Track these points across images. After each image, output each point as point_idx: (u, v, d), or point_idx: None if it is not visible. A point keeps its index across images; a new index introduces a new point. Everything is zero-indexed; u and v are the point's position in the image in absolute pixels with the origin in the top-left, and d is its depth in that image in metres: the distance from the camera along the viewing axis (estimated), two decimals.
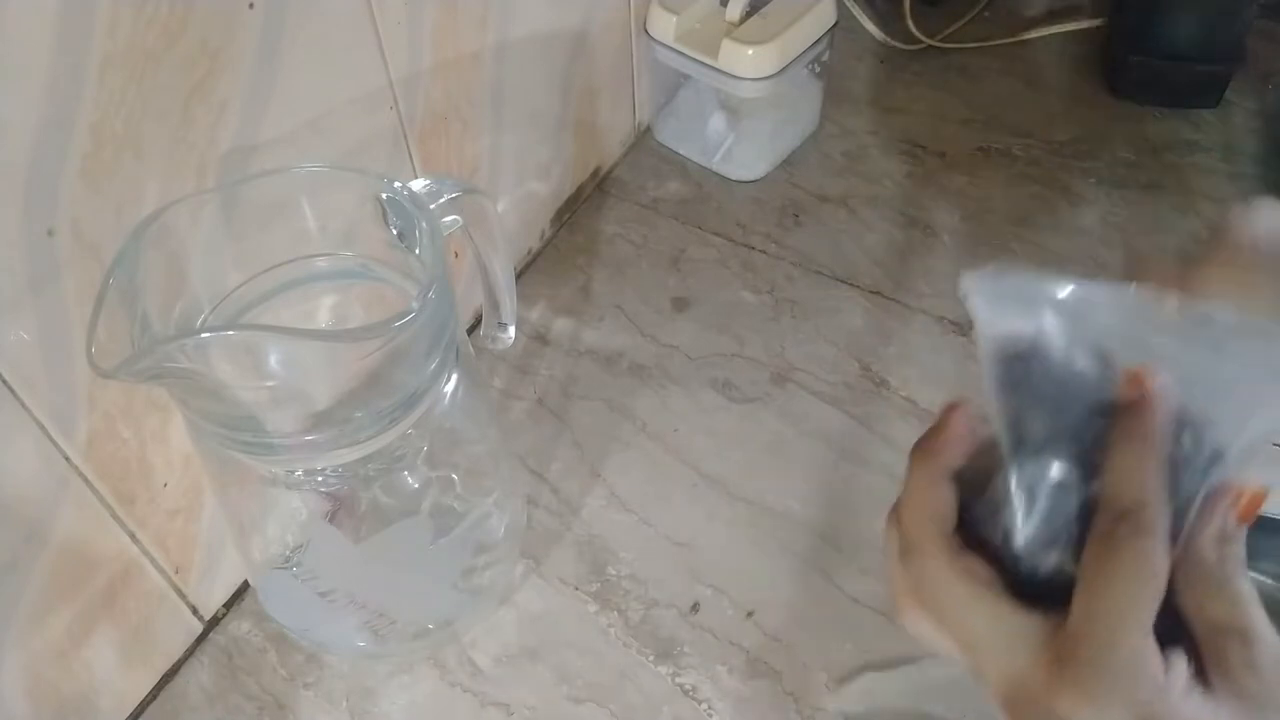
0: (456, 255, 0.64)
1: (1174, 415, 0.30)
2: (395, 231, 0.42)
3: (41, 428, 0.42)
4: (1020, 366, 0.31)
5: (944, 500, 0.33)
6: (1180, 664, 0.28)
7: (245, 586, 0.57)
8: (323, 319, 0.47)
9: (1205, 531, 0.30)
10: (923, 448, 0.34)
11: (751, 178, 0.78)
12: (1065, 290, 0.30)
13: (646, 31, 0.74)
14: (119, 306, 0.36)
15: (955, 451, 0.33)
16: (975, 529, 0.33)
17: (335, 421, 0.40)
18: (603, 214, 0.76)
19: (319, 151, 0.50)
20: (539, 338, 0.68)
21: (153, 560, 0.50)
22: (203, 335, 0.38)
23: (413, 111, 0.56)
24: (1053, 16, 0.89)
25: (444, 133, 0.59)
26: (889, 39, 0.87)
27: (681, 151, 0.80)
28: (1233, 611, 0.29)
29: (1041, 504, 0.31)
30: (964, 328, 0.67)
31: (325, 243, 0.44)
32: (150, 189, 0.42)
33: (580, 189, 0.77)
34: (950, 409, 0.34)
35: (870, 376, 0.65)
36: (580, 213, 0.76)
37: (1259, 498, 0.30)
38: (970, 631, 0.31)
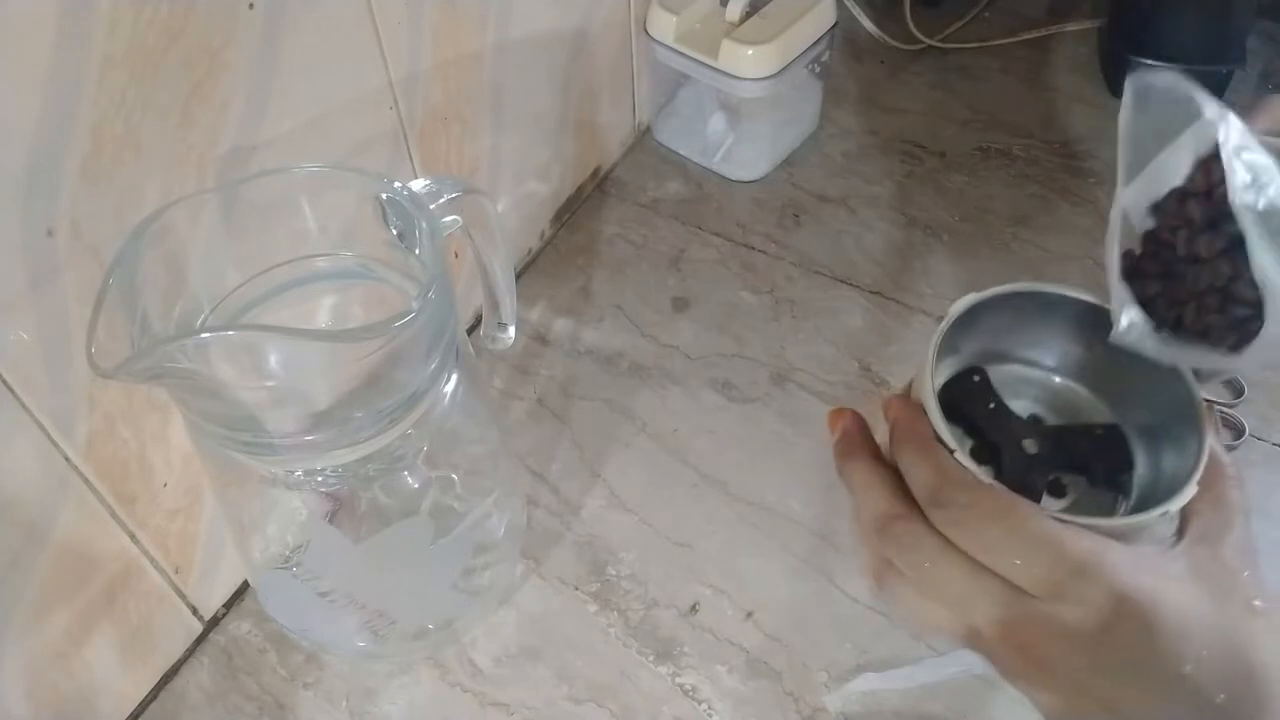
0: (456, 255, 0.64)
1: None
2: (395, 231, 0.42)
3: (41, 428, 0.42)
4: None
5: (888, 478, 0.37)
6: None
7: (245, 586, 0.57)
8: (323, 319, 0.47)
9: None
10: (843, 456, 0.39)
11: (751, 178, 0.78)
12: None
13: (646, 31, 0.74)
14: (119, 306, 0.36)
15: (865, 440, 0.39)
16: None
17: (335, 421, 0.40)
18: (603, 214, 0.76)
19: (319, 151, 0.50)
20: (539, 338, 0.68)
21: (153, 560, 0.50)
22: (203, 335, 0.38)
23: (413, 111, 0.56)
24: (1052, 16, 0.89)
25: (444, 133, 0.59)
26: (889, 39, 0.87)
27: (681, 151, 0.80)
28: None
29: None
30: None
31: (325, 243, 0.44)
32: (150, 189, 0.42)
33: (580, 189, 0.76)
34: (836, 416, 0.40)
35: (870, 376, 0.65)
36: (580, 213, 0.76)
37: None
38: (989, 549, 0.34)
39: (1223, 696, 0.31)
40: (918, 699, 0.51)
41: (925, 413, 0.37)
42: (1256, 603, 0.34)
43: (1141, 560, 0.33)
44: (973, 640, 0.35)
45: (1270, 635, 0.33)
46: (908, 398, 0.38)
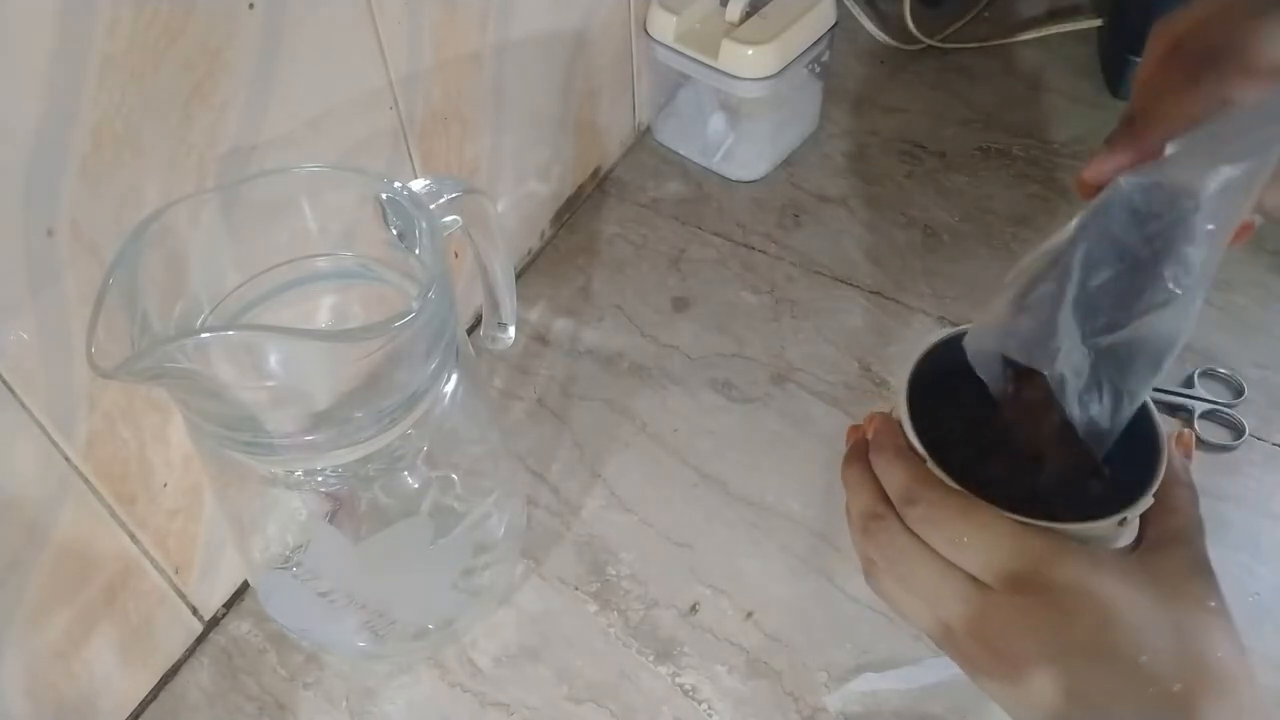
0: (456, 255, 0.64)
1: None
2: (395, 231, 0.42)
3: (41, 428, 0.42)
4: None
5: (875, 482, 0.39)
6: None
7: (245, 586, 0.57)
8: (323, 319, 0.47)
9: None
10: (845, 461, 0.41)
11: (751, 178, 0.78)
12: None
13: (646, 31, 0.74)
14: (119, 306, 0.36)
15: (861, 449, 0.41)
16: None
17: (335, 421, 0.40)
18: (603, 214, 0.76)
19: (319, 151, 0.50)
20: (539, 338, 0.68)
21: (153, 560, 0.50)
22: (203, 335, 0.38)
23: (413, 111, 0.56)
24: (1053, 16, 0.89)
25: (444, 133, 0.59)
26: (889, 39, 0.87)
27: (681, 151, 0.80)
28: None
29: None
30: None
31: (325, 243, 0.44)
32: (150, 189, 0.42)
33: (580, 189, 0.77)
34: (853, 430, 0.42)
35: (870, 376, 0.65)
36: (580, 213, 0.76)
37: (1188, 437, 0.41)
38: (954, 544, 0.36)
39: (1179, 686, 0.33)
40: (918, 699, 0.51)
41: (901, 426, 0.40)
42: (1211, 603, 0.35)
43: (1098, 558, 0.35)
44: (945, 636, 0.37)
45: (1224, 631, 0.35)
46: (888, 414, 0.41)
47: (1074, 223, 0.37)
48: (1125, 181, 0.36)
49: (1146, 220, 0.36)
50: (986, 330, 0.40)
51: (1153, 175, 0.36)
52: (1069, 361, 0.38)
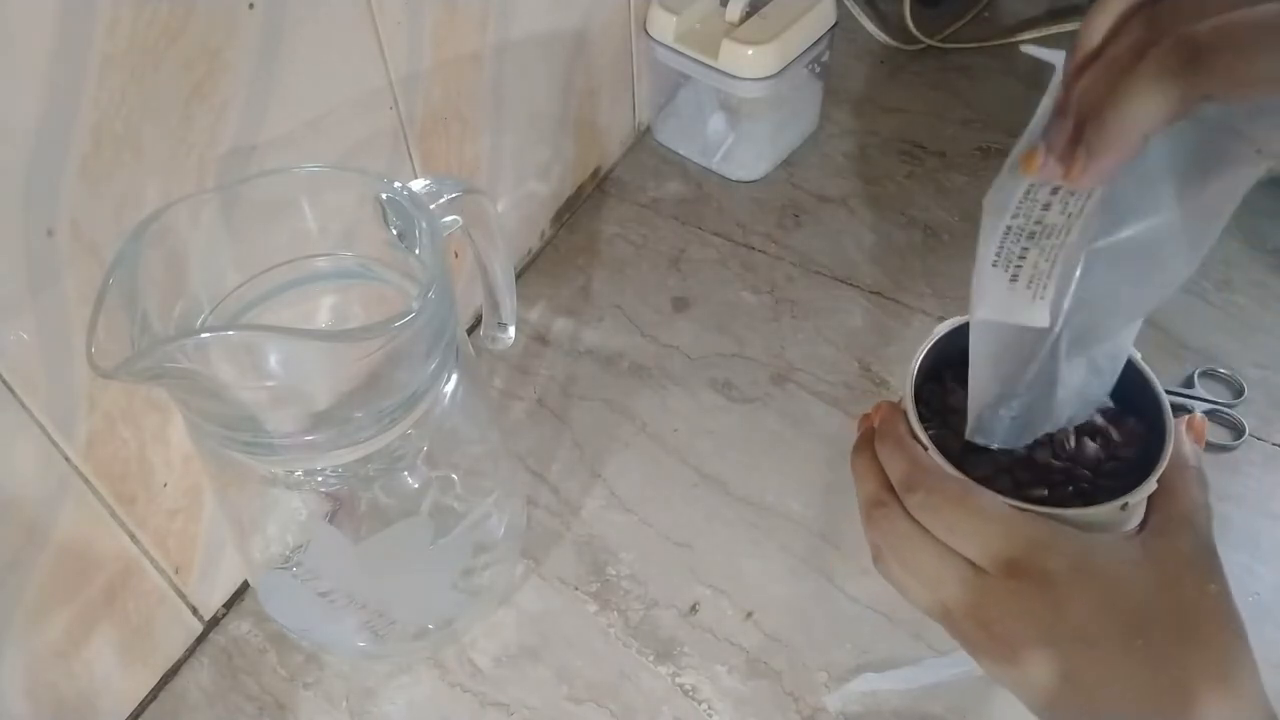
0: (456, 255, 0.64)
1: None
2: (395, 231, 0.42)
3: (41, 428, 0.42)
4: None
5: (880, 471, 0.40)
6: None
7: (245, 586, 0.57)
8: (323, 319, 0.47)
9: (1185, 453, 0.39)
10: (854, 450, 0.42)
11: (751, 178, 0.78)
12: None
13: (646, 31, 0.74)
14: (119, 306, 0.36)
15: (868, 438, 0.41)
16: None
17: (335, 421, 0.40)
18: (603, 214, 0.76)
19: (319, 151, 0.50)
20: (539, 338, 0.68)
21: (153, 560, 0.50)
22: (203, 335, 0.38)
23: (413, 111, 0.56)
24: (1053, 16, 0.89)
25: (444, 133, 0.59)
26: (889, 39, 0.87)
27: (681, 151, 0.80)
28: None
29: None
30: None
31: (325, 243, 0.44)
32: (150, 189, 0.42)
33: (580, 189, 0.77)
34: (864, 419, 0.42)
35: (870, 376, 0.65)
36: (580, 213, 0.76)
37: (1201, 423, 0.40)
38: (952, 530, 0.37)
39: (1176, 670, 0.33)
40: (917, 699, 0.51)
41: (905, 415, 0.40)
42: (1211, 587, 0.35)
43: (1094, 544, 0.36)
44: (945, 618, 0.38)
45: (1224, 616, 0.35)
46: (894, 403, 0.41)
47: (1053, 304, 0.36)
48: (1097, 246, 0.35)
49: (1127, 262, 0.35)
50: (991, 427, 0.40)
51: (1127, 223, 0.35)
52: (1070, 394, 0.39)
